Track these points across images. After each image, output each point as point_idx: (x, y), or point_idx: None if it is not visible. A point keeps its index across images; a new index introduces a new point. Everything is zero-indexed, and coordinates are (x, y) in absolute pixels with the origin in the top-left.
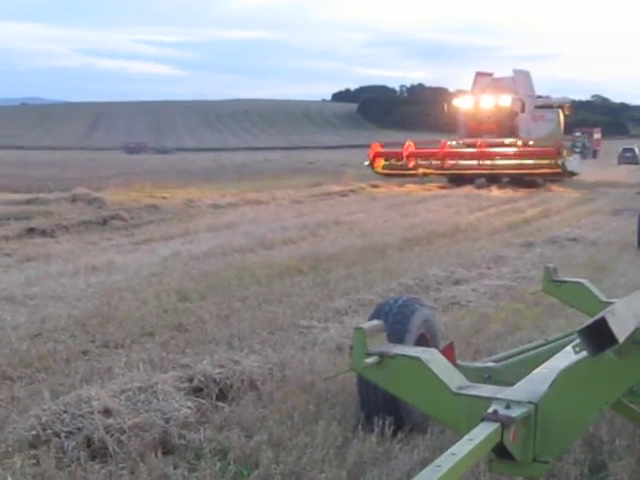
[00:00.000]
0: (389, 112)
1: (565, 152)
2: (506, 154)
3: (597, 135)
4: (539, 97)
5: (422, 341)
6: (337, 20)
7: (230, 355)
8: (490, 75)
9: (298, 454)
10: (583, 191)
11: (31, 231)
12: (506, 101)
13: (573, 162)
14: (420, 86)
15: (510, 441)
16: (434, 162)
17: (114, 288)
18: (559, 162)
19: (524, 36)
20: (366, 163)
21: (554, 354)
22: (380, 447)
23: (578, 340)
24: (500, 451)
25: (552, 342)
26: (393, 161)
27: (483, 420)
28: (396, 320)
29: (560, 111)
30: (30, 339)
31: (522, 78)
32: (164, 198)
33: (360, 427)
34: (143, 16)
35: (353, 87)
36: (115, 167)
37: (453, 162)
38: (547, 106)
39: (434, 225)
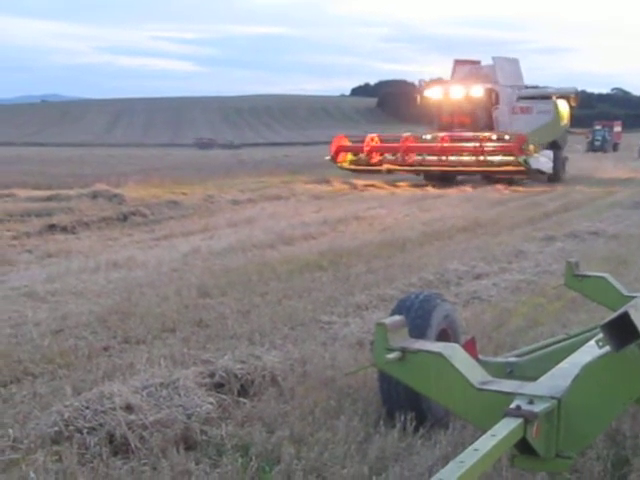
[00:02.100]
0: (409, 106)
1: (532, 148)
2: (467, 149)
3: (617, 128)
4: (534, 87)
5: (443, 336)
6: (356, 15)
7: (251, 351)
8: (474, 63)
9: (320, 450)
10: (603, 185)
11: (52, 227)
12: (477, 91)
13: (540, 159)
14: (440, 80)
15: (533, 436)
16: (397, 157)
17: (135, 284)
18: (520, 159)
19: (545, 29)
20: (327, 158)
21: (576, 349)
22: (402, 442)
23: (601, 335)
24: (523, 447)
25: (574, 337)
26: (359, 156)
27: (506, 415)
28: (417, 315)
29: (558, 102)
30: (52, 335)
31: (504, 66)
32: (184, 194)
33: (382, 422)
34: (163, 13)
35: (372, 82)
36: (135, 163)
37: (418, 157)
38: (541, 97)
39: (454, 219)
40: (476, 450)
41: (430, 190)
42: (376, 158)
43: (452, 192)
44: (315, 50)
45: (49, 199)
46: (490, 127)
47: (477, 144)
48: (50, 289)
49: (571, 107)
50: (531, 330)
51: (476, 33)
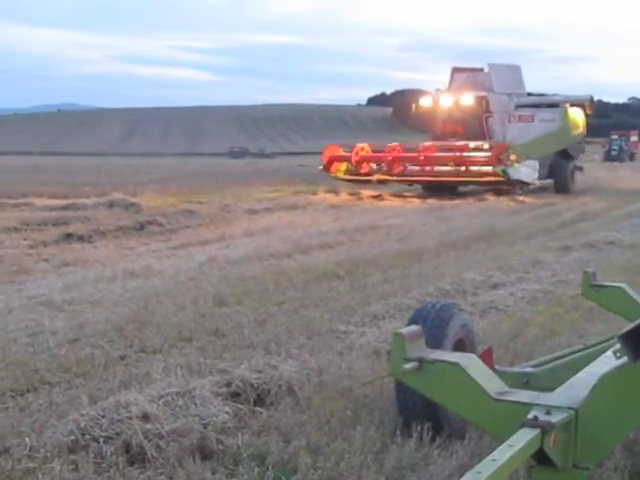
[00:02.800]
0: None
1: (513, 157)
2: (446, 158)
3: (634, 138)
4: (540, 95)
5: (460, 346)
6: (371, 24)
7: (267, 360)
8: (474, 70)
9: (336, 459)
10: (619, 195)
11: (69, 236)
12: (467, 100)
13: (521, 170)
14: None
15: (550, 447)
16: (382, 167)
17: (151, 293)
18: (497, 169)
19: (562, 38)
20: (320, 167)
21: (593, 359)
22: (418, 452)
23: (618, 345)
24: (540, 457)
25: (591, 347)
26: (349, 165)
27: (523, 426)
28: (434, 325)
29: (570, 110)
30: (68, 344)
31: (501, 73)
32: (200, 203)
33: (398, 432)
34: (178, 22)
35: (388, 91)
36: (151, 172)
37: (403, 168)
38: (546, 105)
39: (470, 229)
40: (493, 460)
41: (446, 200)
42: (366, 168)
43: (468, 202)
44: (331, 59)
45: (66, 208)
46: (482, 136)
47: (457, 154)
48: (67, 298)
49: (587, 115)
50: (548, 340)
51: (492, 42)
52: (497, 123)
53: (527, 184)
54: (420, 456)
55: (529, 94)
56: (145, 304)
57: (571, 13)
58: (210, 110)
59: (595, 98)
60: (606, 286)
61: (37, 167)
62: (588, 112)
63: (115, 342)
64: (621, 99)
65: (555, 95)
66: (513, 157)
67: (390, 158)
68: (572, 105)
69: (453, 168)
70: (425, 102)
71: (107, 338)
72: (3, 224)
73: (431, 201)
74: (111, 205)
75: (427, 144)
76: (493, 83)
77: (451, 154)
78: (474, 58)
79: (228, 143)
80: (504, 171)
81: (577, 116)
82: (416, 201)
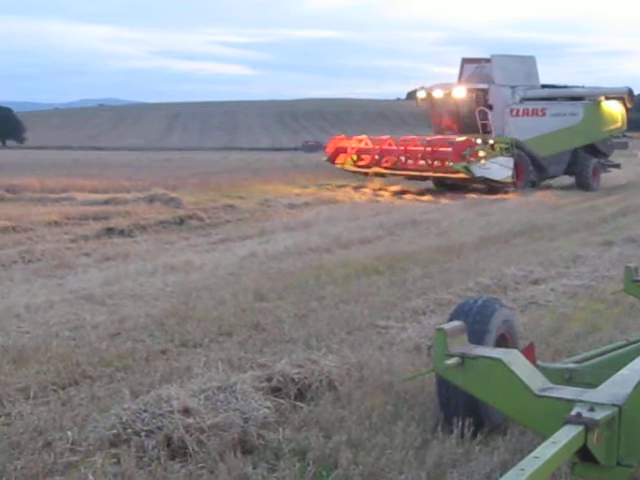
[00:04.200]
0: None
1: (482, 154)
2: (417, 152)
3: None
4: (563, 87)
5: (502, 342)
6: (409, 19)
7: (308, 355)
8: (488, 61)
9: (377, 455)
10: None
11: (109, 231)
12: (459, 93)
13: (490, 167)
14: None
15: (594, 444)
16: (377, 159)
17: (192, 287)
18: (458, 166)
19: (602, 32)
20: (324, 159)
21: (636, 355)
22: (460, 448)
23: None
24: (583, 454)
25: (634, 343)
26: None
27: (566, 423)
28: (476, 321)
29: (603, 104)
30: (109, 338)
31: (505, 65)
32: (240, 198)
33: (439, 428)
34: (217, 18)
35: (427, 85)
36: (192, 167)
37: (394, 160)
38: (566, 98)
39: (510, 224)
40: (537, 457)
41: (486, 195)
42: (367, 160)
43: (508, 196)
44: (371, 54)
45: (107, 202)
46: (476, 130)
47: (428, 148)
48: (108, 292)
49: (627, 109)
50: (590, 336)
51: (531, 36)
52: (496, 117)
53: (495, 182)
54: (461, 452)
55: (546, 86)
56: (185, 298)
57: (612, 6)
58: (249, 105)
59: (636, 92)
60: None
61: (78, 162)
62: (628, 105)
63: (156, 336)
64: None
65: (581, 87)
66: (482, 154)
67: (379, 151)
68: (608, 98)
69: (424, 162)
70: (421, 95)
71: (148, 332)
72: (45, 218)
73: (472, 196)
74: (151, 200)
75: (409, 138)
76: (494, 75)
77: (421, 148)
78: (515, 52)
79: (267, 138)
80: (466, 168)
81: (613, 110)
82: (450, 196)
